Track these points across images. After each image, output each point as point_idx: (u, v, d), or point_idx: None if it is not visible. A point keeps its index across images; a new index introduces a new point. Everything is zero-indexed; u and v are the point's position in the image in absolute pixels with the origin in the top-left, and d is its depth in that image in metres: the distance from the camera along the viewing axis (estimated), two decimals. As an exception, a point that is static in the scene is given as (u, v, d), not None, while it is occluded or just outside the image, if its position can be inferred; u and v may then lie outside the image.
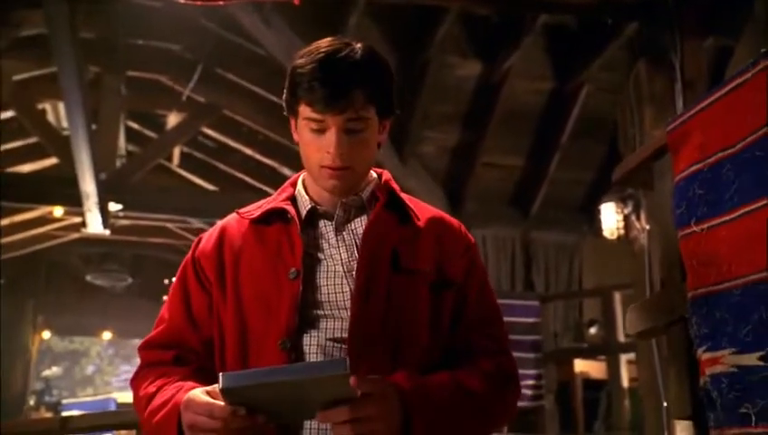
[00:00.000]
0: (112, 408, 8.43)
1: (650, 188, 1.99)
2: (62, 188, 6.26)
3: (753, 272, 1.53)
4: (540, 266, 6.58)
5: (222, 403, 1.26)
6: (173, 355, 1.51)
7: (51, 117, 7.12)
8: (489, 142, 6.09)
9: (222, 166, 7.83)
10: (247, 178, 7.71)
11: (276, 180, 7.30)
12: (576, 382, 5.84)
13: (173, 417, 1.36)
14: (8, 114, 6.81)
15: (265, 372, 1.25)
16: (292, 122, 1.51)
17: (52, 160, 7.36)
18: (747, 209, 1.55)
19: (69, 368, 14.08)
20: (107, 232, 6.79)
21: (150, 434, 1.45)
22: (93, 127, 5.57)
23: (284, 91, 1.50)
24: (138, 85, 6.57)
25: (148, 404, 1.44)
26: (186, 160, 7.98)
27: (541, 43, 5.63)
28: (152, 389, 1.45)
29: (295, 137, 1.51)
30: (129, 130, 7.34)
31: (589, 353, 5.95)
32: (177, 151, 7.77)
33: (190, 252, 1.58)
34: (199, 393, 1.32)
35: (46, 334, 10.98)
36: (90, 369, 14.83)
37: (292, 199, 1.55)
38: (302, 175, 1.58)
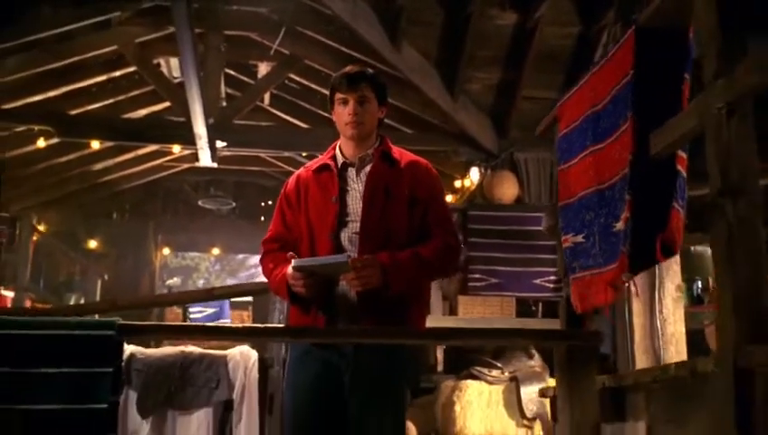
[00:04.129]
0: (227, 307, 9.81)
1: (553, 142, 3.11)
2: (176, 130, 7.55)
3: (581, 191, 2.69)
4: (574, 184, 7.48)
5: (295, 272, 2.52)
6: (278, 246, 2.74)
7: (164, 69, 8.46)
8: (527, 80, 6.84)
9: (306, 105, 8.86)
10: (326, 114, 8.76)
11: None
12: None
13: (284, 280, 2.58)
14: (130, 69, 8.25)
15: (311, 260, 2.52)
16: (333, 113, 2.77)
17: (165, 105, 8.77)
18: (580, 156, 2.71)
19: (183, 281, 15.80)
20: (215, 165, 7.95)
21: (273, 288, 2.71)
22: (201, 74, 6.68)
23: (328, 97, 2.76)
24: (234, 42, 7.65)
25: (271, 274, 2.67)
26: (275, 101, 9.05)
27: (566, -7, 6.37)
28: (271, 265, 2.69)
29: (333, 118, 2.76)
30: (227, 77, 8.50)
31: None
32: (267, 94, 8.85)
33: (283, 189, 2.78)
34: (289, 268, 2.57)
35: (166, 251, 12.45)
36: (200, 282, 16.46)
37: (334, 157, 2.76)
38: (339, 142, 2.81)
